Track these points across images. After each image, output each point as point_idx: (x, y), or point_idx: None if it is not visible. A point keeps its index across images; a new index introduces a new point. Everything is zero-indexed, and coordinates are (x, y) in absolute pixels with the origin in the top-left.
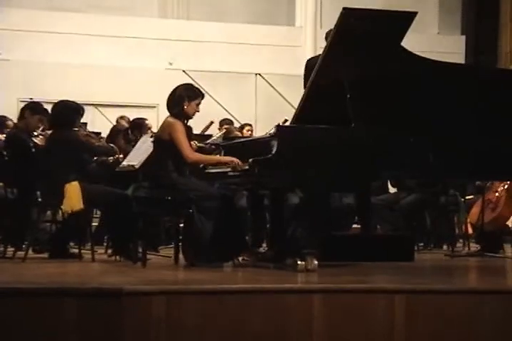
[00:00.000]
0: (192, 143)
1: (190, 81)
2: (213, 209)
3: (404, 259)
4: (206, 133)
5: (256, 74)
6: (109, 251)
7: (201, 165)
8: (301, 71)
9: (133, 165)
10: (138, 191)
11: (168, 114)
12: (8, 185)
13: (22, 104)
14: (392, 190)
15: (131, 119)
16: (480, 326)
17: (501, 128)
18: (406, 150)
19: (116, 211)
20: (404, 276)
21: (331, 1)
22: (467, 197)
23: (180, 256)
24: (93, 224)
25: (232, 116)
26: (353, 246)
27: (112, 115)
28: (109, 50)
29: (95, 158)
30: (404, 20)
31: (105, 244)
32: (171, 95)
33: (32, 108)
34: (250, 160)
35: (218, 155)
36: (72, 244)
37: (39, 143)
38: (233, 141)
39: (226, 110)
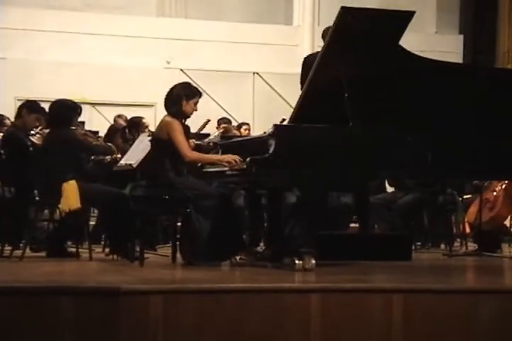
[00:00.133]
0: (190, 141)
1: (187, 80)
2: (211, 209)
3: (401, 258)
4: (203, 132)
5: (254, 73)
6: (107, 250)
7: (199, 164)
8: (299, 70)
9: (130, 164)
10: (135, 190)
11: (165, 112)
12: (5, 183)
13: (19, 103)
14: (389, 189)
15: (128, 118)
16: (477, 325)
17: (500, 127)
18: (404, 149)
19: (114, 210)
20: (401, 276)
21: (329, 0)
22: (465, 197)
23: (178, 255)
24: (91, 223)
25: (230, 115)
26: (350, 245)
27: (110, 114)
28: (107, 48)
29: (92, 157)
30: (402, 19)
31: (103, 242)
32: (168, 94)
33: (29, 106)
34: (248, 159)
35: (216, 155)
36: (69, 242)
37: (36, 141)
38: (231, 140)
39: (224, 109)
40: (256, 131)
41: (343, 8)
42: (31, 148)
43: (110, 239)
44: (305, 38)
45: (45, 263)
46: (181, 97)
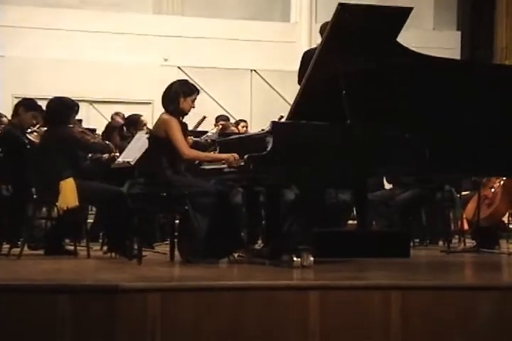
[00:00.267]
0: (188, 138)
1: (185, 77)
2: (208, 206)
3: (400, 255)
4: (200, 129)
5: (251, 70)
6: (105, 247)
7: (196, 162)
8: (297, 67)
9: (128, 162)
10: (133, 188)
11: (163, 110)
12: (3, 182)
13: (16, 101)
14: (388, 186)
15: (126, 116)
16: (476, 322)
17: (498, 124)
18: (402, 146)
19: (112, 208)
20: (400, 273)
21: None
22: (463, 193)
23: (176, 252)
24: (88, 220)
25: (227, 113)
26: (348, 242)
27: (107, 111)
28: (104, 46)
29: (90, 155)
30: (399, 15)
31: (100, 240)
32: (166, 91)
33: (26, 104)
34: (246, 156)
35: (213, 152)
36: (67, 240)
37: (33, 139)
38: (229, 137)
39: (221, 106)
40: (253, 128)
41: (340, 4)
42: (28, 146)
43: (108, 237)
44: (302, 35)
45: (43, 261)
46: (179, 95)
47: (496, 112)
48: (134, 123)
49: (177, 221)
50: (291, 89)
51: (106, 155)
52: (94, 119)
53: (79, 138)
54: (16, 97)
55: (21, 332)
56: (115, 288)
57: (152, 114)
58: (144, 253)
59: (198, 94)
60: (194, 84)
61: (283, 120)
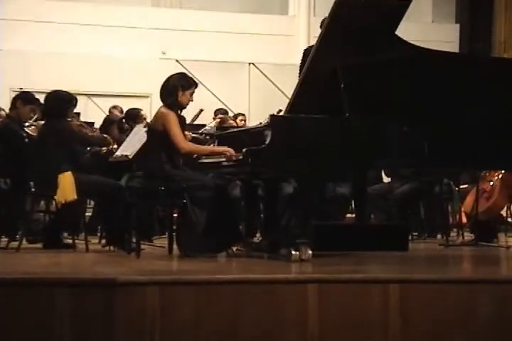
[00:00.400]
0: (186, 133)
1: (183, 70)
2: (207, 200)
3: (398, 249)
4: (199, 122)
5: (249, 63)
6: (103, 241)
7: (195, 156)
8: (295, 60)
9: (126, 155)
10: (131, 181)
11: (161, 103)
12: (1, 175)
13: (15, 94)
14: (386, 179)
15: (123, 109)
16: (475, 316)
17: (497, 118)
18: (400, 139)
19: (110, 201)
20: (398, 266)
21: None
22: (461, 187)
23: (174, 246)
24: (87, 214)
25: (226, 106)
26: (347, 235)
27: (105, 105)
28: (102, 39)
29: (88, 149)
30: (398, 8)
31: (99, 234)
32: (164, 85)
33: (23, 98)
34: (244, 150)
35: (212, 145)
36: (66, 234)
37: (31, 133)
38: (227, 130)
39: (219, 99)
40: (252, 122)
41: None
42: (26, 140)
43: (106, 231)
44: (301, 28)
45: (41, 255)
46: (177, 88)
47: (495, 106)
48: (133, 117)
49: (175, 214)
50: (290, 83)
51: (104, 149)
52: (92, 113)
53: (77, 132)
54: (14, 91)
55: (20, 326)
56: (113, 281)
57: (150, 107)
58: (142, 246)
59: (196, 87)
60: (192, 77)
61: (281, 113)
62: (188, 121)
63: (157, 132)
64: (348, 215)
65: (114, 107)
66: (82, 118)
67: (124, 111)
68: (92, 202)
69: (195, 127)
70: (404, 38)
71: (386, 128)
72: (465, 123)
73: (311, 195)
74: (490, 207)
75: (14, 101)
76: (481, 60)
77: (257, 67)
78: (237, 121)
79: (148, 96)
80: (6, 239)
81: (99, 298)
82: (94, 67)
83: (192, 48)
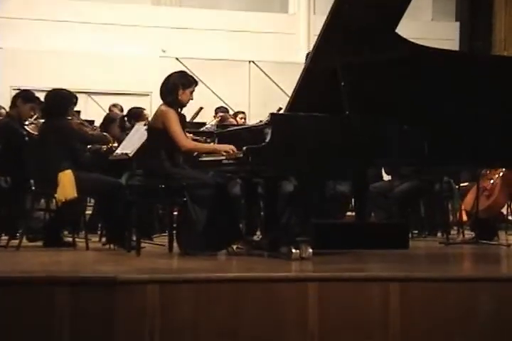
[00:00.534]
0: (187, 134)
1: (183, 68)
2: (207, 198)
3: (398, 247)
4: (199, 120)
5: (249, 61)
6: (103, 239)
7: (195, 154)
8: (295, 58)
9: (127, 154)
10: (132, 179)
11: (161, 101)
12: (1, 173)
13: (15, 92)
14: (386, 177)
15: (123, 107)
16: (475, 314)
17: (498, 116)
18: (400, 137)
19: (110, 199)
20: (399, 264)
21: None
22: (461, 185)
23: (175, 244)
24: (87, 212)
25: (226, 104)
26: (347, 234)
27: (105, 103)
28: (102, 37)
29: (88, 147)
30: (398, 7)
31: (99, 232)
32: (164, 83)
33: (24, 96)
34: (244, 148)
35: (212, 144)
36: (66, 232)
37: (32, 131)
38: (227, 129)
39: (219, 98)
40: (252, 120)
41: None
42: (27, 138)
43: (107, 229)
44: (301, 26)
45: (41, 253)
46: (177, 86)
47: (495, 104)
48: (136, 116)
49: (175, 213)
50: (290, 81)
51: (104, 147)
52: (92, 111)
53: (77, 130)
54: (14, 89)
55: (20, 324)
56: (114, 279)
57: (150, 105)
58: (142, 244)
59: (196, 85)
60: (192, 75)
61: (282, 112)
62: (187, 119)
63: (157, 130)
64: (348, 213)
65: (114, 105)
66: (82, 117)
67: (127, 110)
68: (92, 201)
69: (195, 125)
70: (404, 36)
71: (386, 127)
72: (465, 122)
73: (311, 193)
74: (490, 205)
75: (14, 99)
76: (481, 58)
77: (257, 66)
78: (237, 119)
79: (148, 95)
80: (6, 238)
81: (99, 296)
82: (95, 66)
83: (192, 46)
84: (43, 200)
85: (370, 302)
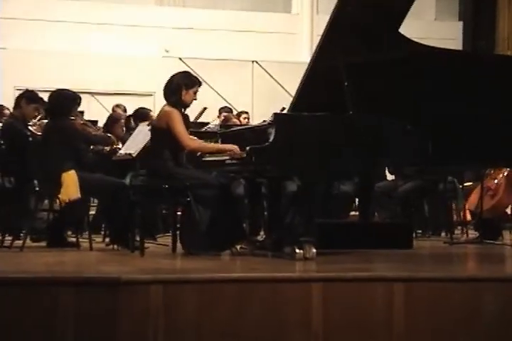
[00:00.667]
0: (192, 137)
1: (186, 69)
2: (210, 198)
3: (402, 247)
4: (202, 120)
5: (253, 61)
6: (107, 239)
7: (198, 154)
8: (298, 58)
9: (130, 154)
10: (135, 179)
11: (164, 102)
12: (5, 174)
13: (18, 93)
14: (390, 177)
15: (127, 107)
16: (479, 314)
17: (502, 115)
18: (403, 137)
19: (114, 200)
20: (403, 264)
21: None
22: (465, 184)
23: (178, 244)
24: (90, 212)
25: (229, 104)
26: (351, 233)
27: (109, 103)
28: (106, 37)
29: (92, 147)
30: (401, 6)
31: (103, 232)
32: (168, 83)
33: (28, 97)
34: (247, 148)
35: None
36: (69, 232)
37: (35, 132)
38: (230, 129)
39: (223, 98)
40: (255, 120)
41: None
42: (30, 139)
43: (110, 229)
44: (304, 26)
45: (45, 254)
46: (181, 86)
47: (499, 103)
48: (143, 116)
49: (179, 213)
50: (293, 81)
51: (107, 147)
52: (95, 111)
53: (80, 130)
54: (18, 89)
55: (24, 325)
56: (117, 280)
57: (154, 105)
58: (146, 245)
59: (200, 86)
60: (195, 75)
61: (285, 111)
62: (191, 119)
63: (161, 130)
64: (352, 213)
65: (118, 106)
66: (86, 117)
67: (130, 110)
68: (96, 201)
69: (199, 125)
70: (407, 36)
71: (389, 127)
72: (469, 121)
73: (315, 193)
74: (495, 205)
75: (18, 100)
76: (485, 58)
77: (260, 65)
78: (241, 119)
79: (151, 95)
80: (9, 238)
81: (103, 296)
82: (98, 66)
83: (195, 46)
84: (46, 201)
85: (374, 302)
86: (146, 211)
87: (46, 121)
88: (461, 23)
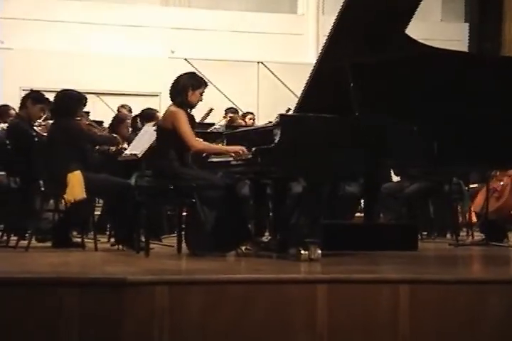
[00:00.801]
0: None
1: (192, 69)
2: (216, 199)
3: (407, 248)
4: (207, 121)
5: (258, 62)
6: (112, 240)
7: (204, 154)
8: (304, 59)
9: (136, 154)
10: (141, 180)
11: (170, 102)
12: (11, 174)
13: (24, 93)
14: (395, 178)
15: (132, 108)
16: (485, 316)
17: (507, 115)
18: (409, 139)
19: (119, 200)
20: (408, 266)
21: None
22: (471, 186)
23: (183, 245)
24: (96, 213)
25: (235, 105)
26: (356, 235)
27: (114, 103)
28: (112, 38)
29: (97, 148)
30: (408, 7)
31: (108, 233)
32: (174, 84)
33: (33, 97)
34: (253, 149)
35: (221, 144)
36: (74, 233)
37: (41, 132)
38: (236, 129)
39: (228, 98)
40: (261, 121)
41: None
42: (36, 139)
43: (115, 230)
44: (310, 27)
45: (50, 254)
46: (187, 87)
47: (506, 104)
48: (149, 117)
49: (184, 213)
50: (299, 81)
51: (113, 148)
52: (101, 111)
53: (86, 131)
54: (24, 90)
55: (28, 325)
56: (123, 281)
57: (159, 106)
58: (151, 245)
59: (206, 86)
60: (201, 76)
61: (290, 112)
62: (197, 120)
63: (166, 130)
64: (358, 214)
65: (123, 106)
66: (91, 117)
67: (135, 111)
68: (101, 201)
69: (204, 126)
70: (413, 37)
71: (395, 128)
72: (475, 122)
73: (320, 194)
74: (500, 207)
75: (24, 100)
76: (490, 60)
77: (265, 66)
78: (246, 120)
79: (157, 95)
80: (15, 238)
81: (108, 297)
82: (103, 66)
83: (201, 47)
84: (52, 201)
85: (379, 304)
86: (152, 211)
87: (52, 121)
88: (467, 24)
